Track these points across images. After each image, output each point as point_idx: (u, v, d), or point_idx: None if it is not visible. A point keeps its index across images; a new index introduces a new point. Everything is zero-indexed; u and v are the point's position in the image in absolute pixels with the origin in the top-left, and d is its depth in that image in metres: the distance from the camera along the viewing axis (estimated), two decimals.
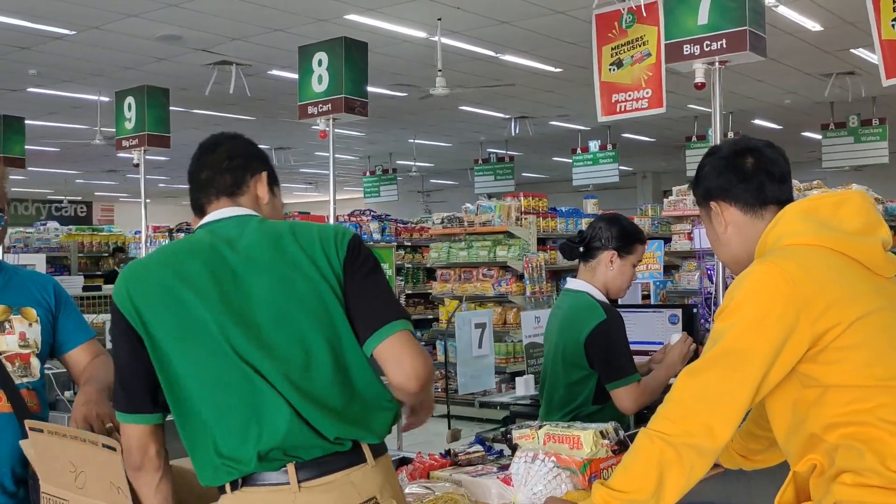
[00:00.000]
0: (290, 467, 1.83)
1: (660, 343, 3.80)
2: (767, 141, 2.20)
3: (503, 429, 3.39)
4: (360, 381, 1.92)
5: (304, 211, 15.59)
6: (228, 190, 2.07)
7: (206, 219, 2.04)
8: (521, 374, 8.70)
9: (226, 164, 2.08)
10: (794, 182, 7.89)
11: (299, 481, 1.82)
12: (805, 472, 1.90)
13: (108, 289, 11.55)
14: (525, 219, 9.26)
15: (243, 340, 1.85)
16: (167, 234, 11.81)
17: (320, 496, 1.83)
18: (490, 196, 13.53)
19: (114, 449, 1.94)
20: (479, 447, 2.75)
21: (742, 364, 1.83)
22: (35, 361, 2.62)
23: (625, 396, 2.97)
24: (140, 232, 14.75)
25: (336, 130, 5.72)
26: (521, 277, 9.09)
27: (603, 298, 3.15)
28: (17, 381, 2.56)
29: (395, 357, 1.90)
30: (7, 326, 2.59)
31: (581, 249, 3.20)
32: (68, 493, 2.13)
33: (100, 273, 13.62)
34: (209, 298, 1.88)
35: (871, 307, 1.84)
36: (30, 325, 2.62)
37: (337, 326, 1.91)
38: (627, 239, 3.15)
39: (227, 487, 1.86)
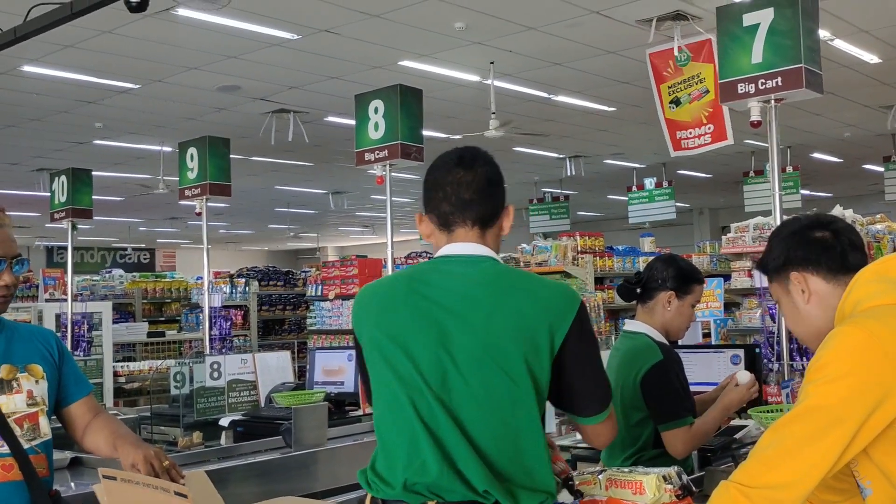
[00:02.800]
0: None
1: None
2: (834, 216, 2.21)
3: (565, 475, 3.35)
4: (528, 448, 2.01)
5: (361, 255, 15.70)
6: (482, 221, 2.10)
7: (446, 250, 2.09)
8: None
9: (487, 192, 2.11)
10: (857, 216, 7.77)
11: None
12: None
13: (171, 334, 11.76)
14: (581, 258, 9.22)
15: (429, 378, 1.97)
16: (228, 279, 12.01)
17: None
18: (546, 236, 13.51)
19: (185, 496, 1.98)
20: None
21: (829, 422, 1.81)
22: (43, 421, 2.57)
23: (675, 439, 2.93)
24: (202, 277, 15.05)
25: (392, 174, 5.79)
26: None
27: (662, 339, 3.12)
28: (27, 446, 2.49)
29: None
30: (14, 385, 2.51)
31: (638, 291, 3.19)
32: None
33: (163, 319, 13.87)
34: (408, 332, 2.01)
35: None
36: (36, 382, 2.56)
37: (534, 399, 2.01)
38: (685, 279, 3.13)
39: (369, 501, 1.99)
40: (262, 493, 3.73)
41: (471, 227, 2.07)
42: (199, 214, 6.77)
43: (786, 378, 3.71)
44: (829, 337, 1.90)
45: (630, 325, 3.21)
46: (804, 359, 3.84)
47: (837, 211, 7.61)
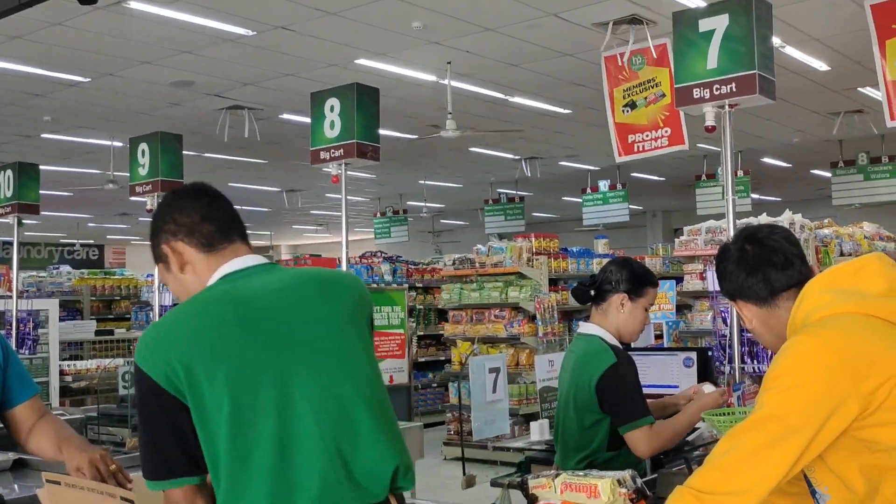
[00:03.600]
0: None
1: (674, 387, 3.79)
2: (771, 225, 2.28)
3: (518, 477, 3.35)
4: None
5: (315, 254, 15.63)
6: (246, 238, 2.08)
7: (226, 269, 2.00)
8: (534, 416, 8.66)
9: (237, 215, 2.10)
10: (805, 220, 7.89)
11: None
12: None
13: (120, 332, 11.57)
14: (536, 260, 9.26)
15: (282, 394, 1.87)
16: None
17: None
18: (501, 236, 13.54)
19: (132, 502, 1.93)
20: None
21: (784, 431, 1.83)
22: None
23: (638, 439, 2.95)
24: (153, 275, 14.83)
25: (347, 173, 5.75)
26: (533, 318, 9.07)
27: (615, 342, 3.14)
28: None
29: None
30: None
31: (592, 293, 3.20)
32: None
33: (112, 317, 13.65)
34: (247, 353, 1.88)
35: None
36: None
37: (374, 372, 2.05)
38: (638, 282, 3.15)
39: None
40: None
41: (240, 243, 2.05)
42: (151, 211, 6.65)
43: (737, 381, 3.75)
44: (784, 347, 1.93)
45: (584, 327, 3.22)
46: (755, 361, 3.89)
47: (786, 216, 7.74)
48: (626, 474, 2.34)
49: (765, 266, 2.14)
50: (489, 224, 16.55)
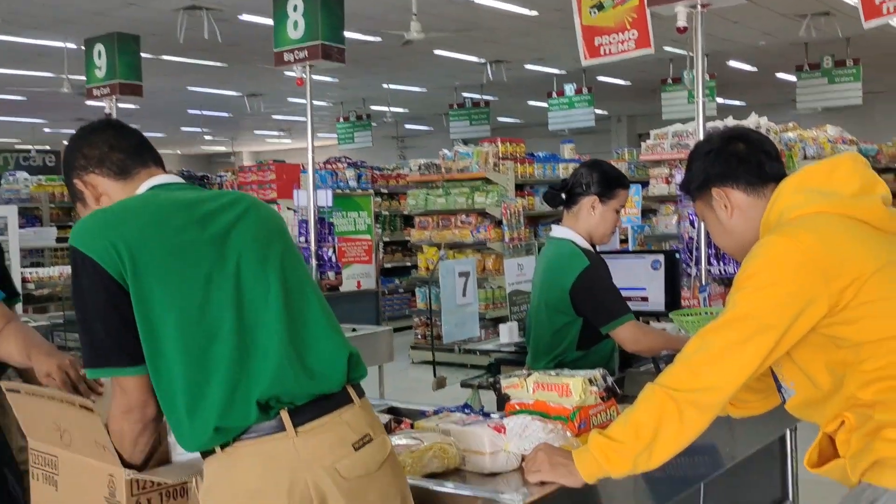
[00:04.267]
0: (284, 414, 1.81)
1: (642, 289, 3.83)
2: (748, 128, 2.26)
3: (491, 377, 3.39)
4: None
5: (278, 159, 15.42)
6: (161, 165, 2.09)
7: (157, 181, 2.03)
8: (502, 320, 8.75)
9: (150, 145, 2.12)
10: (770, 124, 7.90)
11: (295, 426, 1.81)
12: (833, 430, 1.93)
13: None
14: (503, 165, 9.22)
15: (236, 287, 1.87)
16: None
17: (318, 437, 1.82)
18: (465, 142, 13.45)
19: (91, 409, 1.92)
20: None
21: (755, 329, 1.86)
22: None
23: (624, 335, 2.98)
24: None
25: (312, 77, 5.63)
26: (499, 224, 9.08)
27: (586, 245, 3.14)
28: None
29: None
30: None
31: (563, 196, 3.18)
32: (57, 449, 2.12)
33: (72, 224, 13.44)
34: (195, 245, 1.87)
35: (885, 260, 1.87)
36: None
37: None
38: (609, 184, 3.14)
39: (217, 448, 1.83)
40: None
41: (155, 167, 2.06)
42: (109, 115, 6.49)
43: (703, 283, 3.80)
44: (757, 246, 1.94)
45: (555, 230, 3.21)
46: (721, 263, 3.94)
47: (752, 119, 7.74)
48: (597, 373, 2.38)
49: (759, 153, 2.13)
50: (454, 129, 16.40)
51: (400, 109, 20.39)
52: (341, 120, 17.89)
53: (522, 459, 2.21)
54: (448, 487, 2.09)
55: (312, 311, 1.95)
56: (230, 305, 1.84)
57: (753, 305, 1.88)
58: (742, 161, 2.13)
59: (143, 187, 2.02)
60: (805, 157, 8.35)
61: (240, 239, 1.92)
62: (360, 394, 1.95)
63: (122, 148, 2.04)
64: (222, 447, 1.82)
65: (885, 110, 18.82)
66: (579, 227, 3.15)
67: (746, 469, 3.06)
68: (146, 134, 2.16)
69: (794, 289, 1.85)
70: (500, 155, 9.34)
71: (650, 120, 19.74)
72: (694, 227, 4.12)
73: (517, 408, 2.41)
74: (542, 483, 2.04)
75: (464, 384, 3.82)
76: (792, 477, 3.40)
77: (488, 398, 3.92)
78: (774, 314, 1.86)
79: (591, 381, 2.32)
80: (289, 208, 10.05)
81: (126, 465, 1.92)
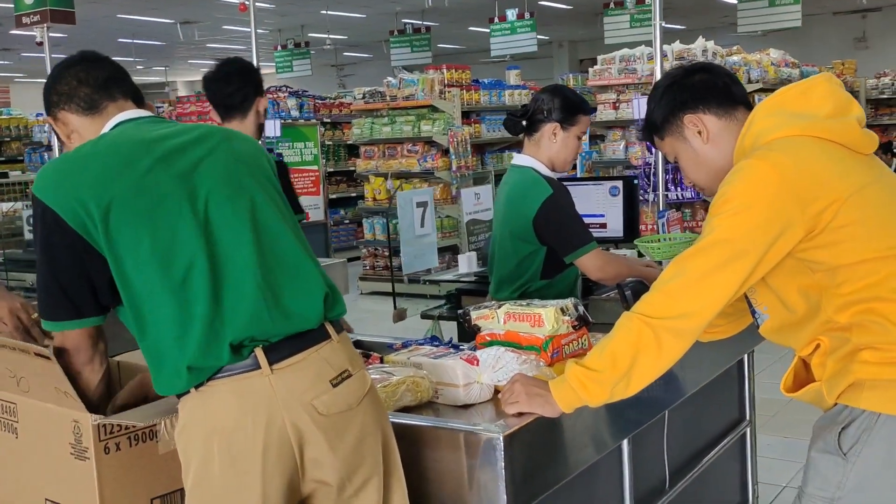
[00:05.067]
0: (258, 351, 1.76)
1: (600, 216, 3.82)
2: (701, 61, 2.22)
3: (453, 308, 3.37)
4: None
5: None
6: (133, 95, 2.02)
7: (125, 116, 1.97)
8: (453, 249, 8.73)
9: (124, 75, 2.04)
10: (717, 48, 7.90)
11: (270, 364, 1.76)
12: (808, 353, 1.93)
13: (15, 175, 11.06)
14: (448, 92, 9.09)
15: (205, 227, 1.81)
16: None
17: (295, 374, 1.78)
18: (407, 69, 13.23)
19: (48, 358, 1.83)
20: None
21: (732, 254, 1.84)
22: None
23: (588, 263, 2.96)
24: (42, 114, 14.07)
25: (246, 2, 5.42)
26: (446, 152, 8.99)
27: (548, 173, 3.10)
28: None
29: None
30: None
31: (524, 123, 3.12)
32: (15, 396, 2.04)
33: (3, 159, 13.01)
34: (163, 186, 1.81)
35: (862, 182, 1.85)
36: None
37: (288, 207, 1.98)
38: (571, 109, 3.08)
39: (192, 388, 1.78)
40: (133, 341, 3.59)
41: (124, 100, 1.99)
42: (41, 45, 6.21)
43: (661, 208, 3.79)
44: (734, 171, 1.91)
45: (517, 158, 3.16)
46: (678, 189, 3.93)
47: (699, 43, 7.73)
48: (569, 302, 2.35)
49: (723, 77, 2.10)
50: (395, 56, 16.10)
51: (339, 36, 19.96)
52: (279, 48, 17.46)
53: (496, 391, 2.19)
54: (428, 421, 2.06)
55: (288, 248, 1.88)
56: (200, 245, 1.77)
57: (730, 231, 1.85)
58: (709, 86, 2.09)
59: (110, 124, 1.94)
60: (749, 81, 8.39)
61: (208, 175, 1.84)
62: (339, 329, 1.90)
63: (90, 82, 1.97)
64: (196, 387, 1.77)
65: (821, 34, 19.00)
66: (541, 154, 3.09)
67: (706, 393, 3.10)
68: None
69: (771, 213, 1.83)
70: (446, 82, 9.20)
71: (592, 45, 19.64)
72: (651, 152, 4.10)
73: (488, 339, 2.39)
74: (520, 414, 2.02)
75: (424, 315, 3.79)
76: (749, 399, 3.46)
77: (448, 329, 3.91)
78: (751, 239, 1.84)
79: (563, 311, 2.30)
80: None
81: (92, 410, 1.85)
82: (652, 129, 2.19)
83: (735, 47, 9.06)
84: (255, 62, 5.45)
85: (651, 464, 2.73)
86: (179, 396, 1.81)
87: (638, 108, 3.96)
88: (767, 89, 8.26)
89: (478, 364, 2.20)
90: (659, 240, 3.01)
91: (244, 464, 1.74)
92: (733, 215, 1.85)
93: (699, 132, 2.09)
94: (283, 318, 1.79)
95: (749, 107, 2.09)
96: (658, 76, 3.81)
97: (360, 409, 1.84)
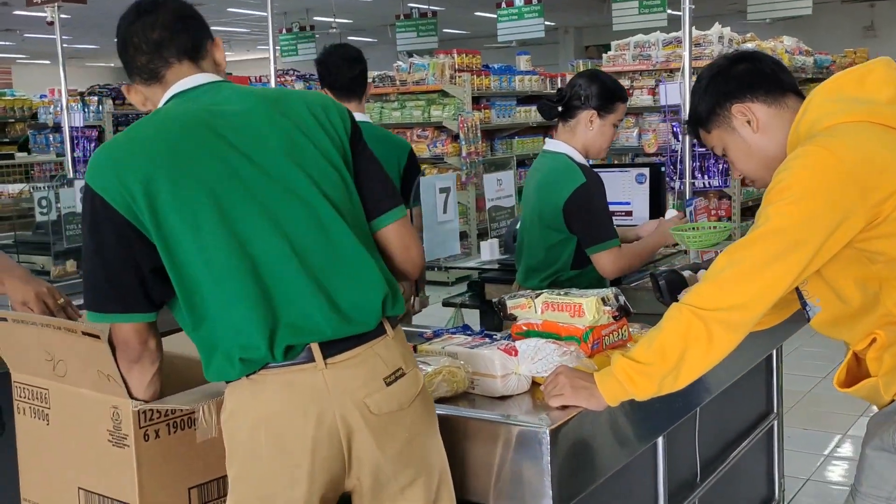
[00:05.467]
0: (314, 345, 1.72)
1: (626, 203, 3.77)
2: (743, 50, 2.16)
3: (494, 299, 3.30)
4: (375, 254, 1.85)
5: (229, 72, 14.92)
6: (190, 52, 1.85)
7: (179, 87, 1.83)
8: (463, 236, 8.66)
9: (180, 25, 1.84)
10: (733, 34, 7.81)
11: (324, 358, 1.72)
12: (863, 348, 1.88)
13: (21, 157, 10.99)
14: (459, 77, 9.01)
15: (255, 220, 1.72)
16: (80, 97, 11.18)
17: (349, 370, 1.74)
18: (410, 54, 13.14)
19: (97, 336, 1.79)
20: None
21: (789, 244, 1.78)
22: None
23: (606, 261, 2.92)
24: (46, 95, 13.97)
25: None
26: (456, 138, 8.92)
27: (582, 160, 3.04)
28: None
29: (402, 241, 1.90)
30: None
31: (560, 109, 3.06)
32: (47, 381, 1.99)
33: (7, 140, 12.93)
34: (211, 174, 1.71)
35: None
36: None
37: (352, 197, 1.83)
38: (609, 97, 3.02)
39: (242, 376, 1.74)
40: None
41: (179, 62, 1.83)
42: (51, 24, 6.13)
43: (688, 196, 3.74)
44: (791, 158, 1.85)
45: (550, 144, 3.10)
46: (706, 177, 3.88)
47: (715, 29, 7.66)
48: (610, 292, 2.30)
49: (770, 65, 2.05)
50: (401, 40, 15.94)
51: (344, 20, 19.83)
52: (284, 31, 17.33)
53: (533, 382, 2.15)
54: (468, 413, 2.02)
55: (346, 246, 1.77)
56: (251, 234, 1.71)
57: (787, 220, 1.80)
58: (757, 74, 2.03)
59: (165, 97, 1.84)
60: None
61: (260, 155, 1.75)
62: (394, 324, 1.84)
63: (143, 48, 1.83)
64: (248, 375, 1.73)
65: (829, 23, 18.88)
66: (575, 141, 3.04)
67: (736, 386, 3.06)
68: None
69: (831, 202, 1.78)
70: (456, 67, 9.12)
71: (598, 32, 19.54)
72: (678, 139, 4.05)
73: (525, 329, 2.34)
74: (563, 407, 1.97)
75: (446, 303, 3.74)
76: (777, 391, 3.42)
77: (469, 317, 3.85)
78: (809, 229, 1.78)
79: (604, 301, 2.25)
80: None
81: (132, 396, 1.81)
82: (697, 123, 2.13)
83: (749, 34, 8.98)
84: (271, 43, 5.38)
85: (683, 458, 2.69)
86: (228, 382, 1.76)
87: (665, 94, 3.91)
88: None
89: (516, 354, 2.15)
90: (695, 228, 2.95)
91: (293, 457, 1.71)
92: (791, 204, 1.80)
93: (748, 122, 2.03)
94: (340, 321, 1.74)
95: (799, 93, 2.03)
96: (687, 62, 3.76)
97: (411, 409, 1.80)
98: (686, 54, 3.77)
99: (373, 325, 1.78)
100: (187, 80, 1.83)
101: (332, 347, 1.73)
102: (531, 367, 2.13)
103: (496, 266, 3.82)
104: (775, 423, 3.42)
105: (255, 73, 13.47)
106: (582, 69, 11.55)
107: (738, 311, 1.82)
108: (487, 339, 2.35)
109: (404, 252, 1.91)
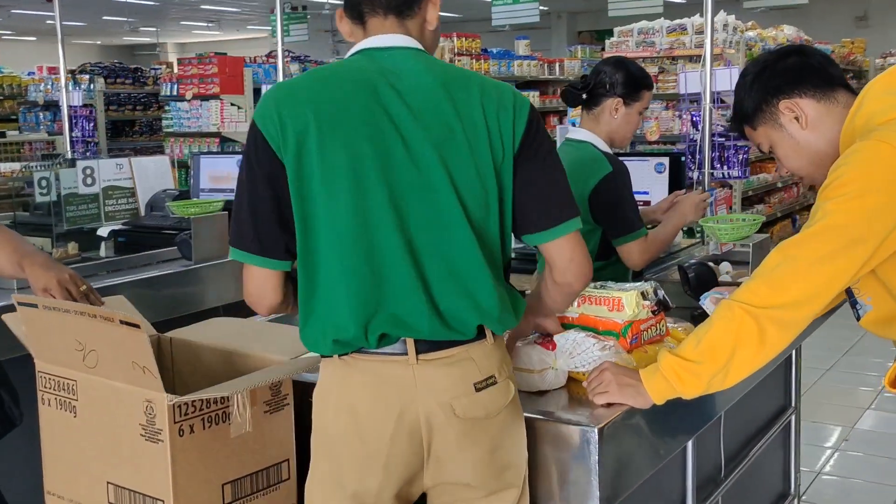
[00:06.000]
0: (409, 340, 1.68)
1: (645, 192, 3.71)
2: (792, 44, 2.09)
3: (525, 290, 3.24)
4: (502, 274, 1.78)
5: (206, 52, 14.74)
6: (399, 8, 1.75)
7: (370, 43, 1.74)
8: None
9: None
10: (738, 22, 7.75)
11: (417, 353, 1.68)
12: None
13: (12, 135, 10.82)
14: (458, 61, 8.93)
15: (385, 204, 1.66)
16: (70, 75, 11.00)
17: (440, 370, 1.69)
18: None
19: (137, 326, 1.72)
20: None
21: (847, 241, 1.73)
22: None
23: (633, 251, 2.87)
24: (34, 73, 13.76)
25: None
26: None
27: (607, 149, 2.98)
28: None
29: (569, 255, 1.81)
30: None
31: (584, 96, 3.00)
32: (76, 372, 1.92)
33: None
34: (361, 143, 1.65)
35: None
36: None
37: (490, 208, 1.72)
38: (635, 85, 2.96)
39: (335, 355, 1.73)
40: (164, 309, 3.48)
41: (384, 17, 1.75)
42: (51, 1, 6.01)
43: (707, 187, 3.69)
44: (850, 153, 1.80)
45: (574, 132, 3.04)
46: (725, 167, 3.84)
47: (721, 17, 7.59)
48: (649, 286, 2.25)
49: (818, 58, 1.98)
50: None
51: (337, 1, 19.65)
52: (276, 11, 17.15)
53: (569, 377, 2.10)
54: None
55: (464, 253, 1.68)
56: (375, 224, 1.65)
57: (845, 216, 1.74)
58: (805, 68, 1.97)
59: (356, 47, 1.76)
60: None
61: (415, 141, 1.66)
62: (498, 332, 1.78)
63: None
64: (340, 355, 1.71)
65: (822, 12, 18.84)
66: (600, 129, 2.98)
67: (757, 387, 3.03)
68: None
69: (891, 199, 1.73)
70: (456, 50, 9.04)
71: (592, 17, 19.45)
72: (697, 129, 3.99)
73: (561, 322, 2.28)
74: (608, 404, 1.92)
75: None
76: (796, 386, 3.39)
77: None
78: (868, 226, 1.73)
79: (643, 295, 2.20)
80: (233, 104, 9.66)
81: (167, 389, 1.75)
82: (743, 120, 2.07)
83: (750, 23, 8.93)
84: (278, 29, 5.29)
85: (709, 456, 2.66)
86: (322, 357, 1.76)
87: (685, 82, 3.84)
88: None
89: (554, 349, 2.10)
90: (729, 220, 2.90)
91: (370, 447, 1.69)
92: (850, 200, 1.75)
93: (797, 118, 1.97)
94: (440, 324, 1.69)
95: (849, 87, 1.98)
96: (709, 49, 3.69)
97: (498, 419, 1.75)
98: (708, 41, 3.70)
99: (471, 334, 1.73)
100: (382, 37, 1.74)
101: (427, 344, 1.69)
102: (569, 362, 2.08)
103: (513, 255, 3.74)
104: (793, 417, 3.40)
105: (249, 54, 13.28)
106: (580, 55, 11.51)
107: (792, 309, 1.78)
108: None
109: (568, 265, 1.83)
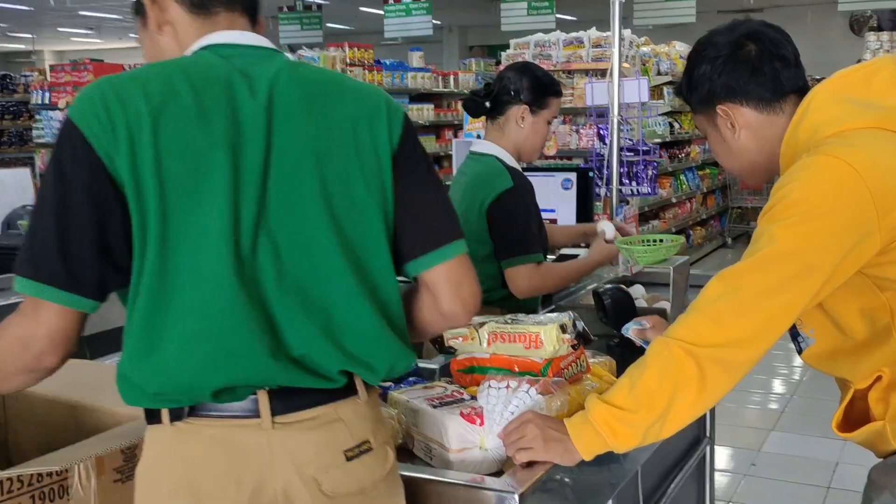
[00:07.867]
0: (262, 395, 1.33)
1: (551, 210, 3.49)
2: (763, 21, 1.83)
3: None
4: (392, 308, 1.43)
5: (96, 58, 14.01)
6: (250, 9, 1.49)
7: (215, 38, 1.43)
8: None
9: None
10: (633, 37, 7.69)
11: (273, 414, 1.34)
12: (866, 387, 1.62)
13: None
14: (351, 72, 8.63)
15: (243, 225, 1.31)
16: None
17: (302, 436, 1.35)
18: (292, 48, 12.65)
19: None
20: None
21: (799, 270, 1.51)
22: None
23: (521, 276, 2.60)
24: None
25: None
26: None
27: (513, 163, 2.74)
28: None
29: (455, 282, 1.49)
30: None
31: (487, 105, 2.75)
32: None
33: None
34: (212, 149, 1.30)
35: None
36: None
37: (369, 229, 1.41)
38: (541, 90, 2.72)
39: (164, 416, 1.34)
40: None
41: (240, 14, 1.48)
42: None
43: (615, 204, 3.48)
44: (798, 168, 1.58)
45: (478, 145, 2.78)
46: (634, 182, 3.64)
47: (592, 32, 7.52)
48: (566, 318, 1.97)
49: (773, 59, 1.73)
50: (284, 34, 15.44)
51: None
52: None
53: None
54: (421, 472, 1.66)
55: (336, 282, 1.37)
56: (215, 236, 1.29)
57: (797, 241, 1.52)
58: (754, 72, 1.73)
59: (201, 42, 1.42)
60: (659, 73, 8.27)
61: (280, 152, 1.35)
62: (371, 387, 1.45)
63: None
64: (172, 420, 1.33)
65: (706, 31, 19.34)
66: (505, 141, 2.73)
67: None
68: None
69: (847, 221, 1.51)
70: (348, 61, 8.73)
71: (482, 32, 19.44)
72: (605, 143, 3.79)
73: (468, 365, 1.99)
74: (530, 462, 1.64)
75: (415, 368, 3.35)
76: (710, 416, 3.20)
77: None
78: (821, 252, 1.52)
79: (562, 328, 1.93)
80: None
81: None
82: (686, 100, 1.86)
83: (643, 38, 8.92)
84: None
85: None
86: (149, 423, 1.37)
87: (591, 94, 3.63)
88: (676, 82, 8.14)
89: (482, 424, 1.71)
90: (645, 241, 2.68)
91: None
92: (802, 223, 1.52)
93: (731, 125, 1.76)
94: (294, 367, 1.35)
95: (803, 91, 1.75)
96: (616, 61, 3.49)
97: (374, 494, 1.42)
98: (615, 52, 3.51)
99: (339, 380, 1.39)
100: (235, 33, 1.45)
101: (283, 400, 1.35)
102: (501, 429, 1.72)
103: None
104: (707, 448, 3.21)
105: (130, 62, 12.68)
106: (475, 68, 11.35)
107: (738, 348, 1.54)
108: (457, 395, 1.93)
109: (453, 295, 1.50)
